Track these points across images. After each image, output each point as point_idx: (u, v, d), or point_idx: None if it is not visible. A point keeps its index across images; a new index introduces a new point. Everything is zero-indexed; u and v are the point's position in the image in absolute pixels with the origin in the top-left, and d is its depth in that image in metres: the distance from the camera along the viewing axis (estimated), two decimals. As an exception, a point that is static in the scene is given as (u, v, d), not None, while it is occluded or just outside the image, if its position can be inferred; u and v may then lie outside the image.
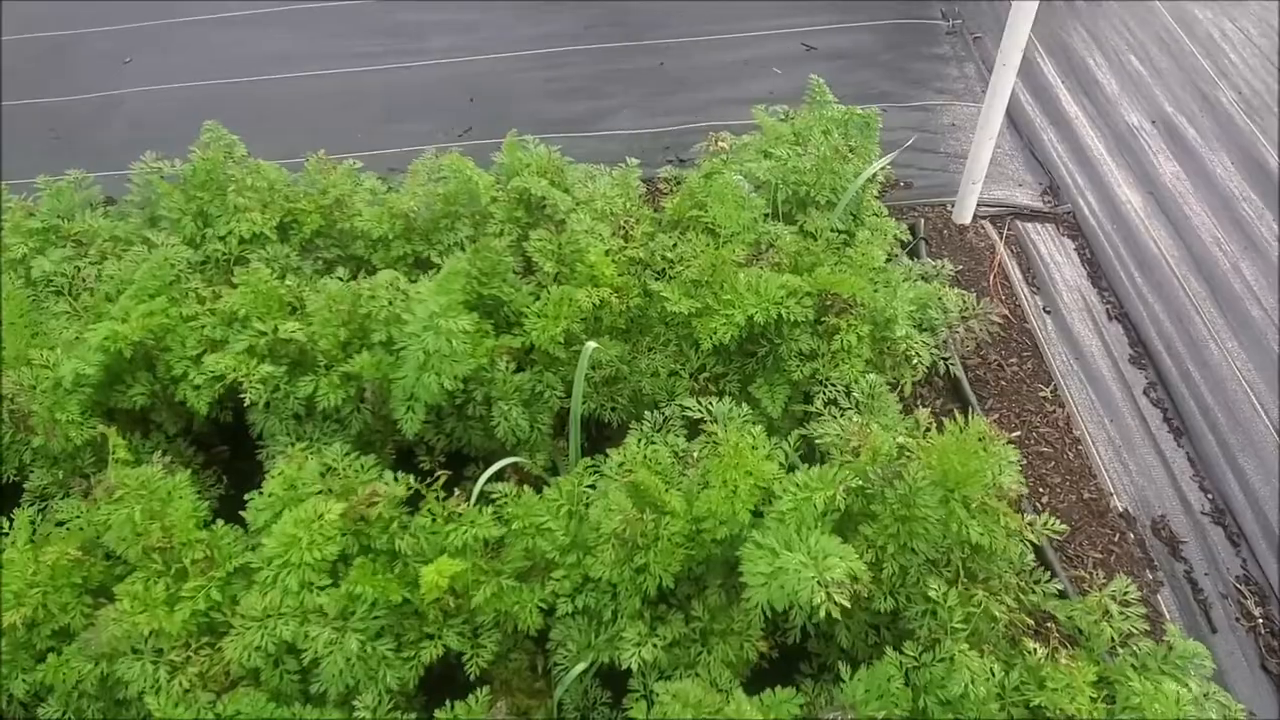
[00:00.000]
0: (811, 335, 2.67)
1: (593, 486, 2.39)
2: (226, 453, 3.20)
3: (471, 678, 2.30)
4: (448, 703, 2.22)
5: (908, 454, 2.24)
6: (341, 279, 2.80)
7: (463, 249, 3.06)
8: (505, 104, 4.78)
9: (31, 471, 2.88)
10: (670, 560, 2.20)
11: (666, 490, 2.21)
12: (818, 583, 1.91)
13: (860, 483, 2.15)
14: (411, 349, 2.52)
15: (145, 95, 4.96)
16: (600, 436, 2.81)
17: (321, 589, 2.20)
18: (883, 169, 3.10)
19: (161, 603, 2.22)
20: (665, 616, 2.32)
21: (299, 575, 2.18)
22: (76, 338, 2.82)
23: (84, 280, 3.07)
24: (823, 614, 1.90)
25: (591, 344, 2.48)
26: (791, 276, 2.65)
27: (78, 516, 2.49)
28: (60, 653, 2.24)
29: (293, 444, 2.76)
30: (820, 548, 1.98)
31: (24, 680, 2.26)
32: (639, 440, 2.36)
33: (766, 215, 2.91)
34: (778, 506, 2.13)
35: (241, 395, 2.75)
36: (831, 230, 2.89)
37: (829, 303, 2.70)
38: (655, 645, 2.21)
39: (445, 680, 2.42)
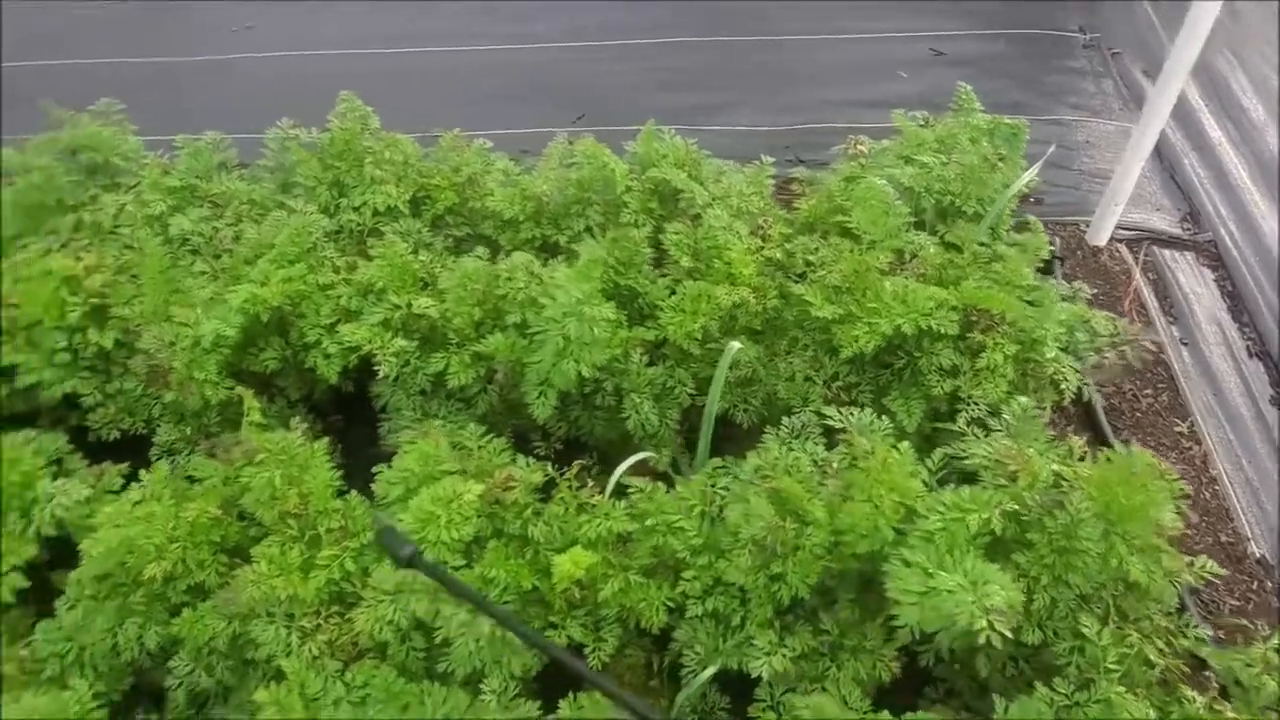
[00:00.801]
0: (954, 351, 2.58)
1: (726, 489, 2.35)
2: (341, 421, 3.23)
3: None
4: (570, 695, 2.20)
5: (1064, 482, 2.15)
6: (481, 258, 2.79)
7: (592, 236, 3.04)
8: (618, 92, 4.75)
9: (159, 425, 2.94)
10: (809, 571, 2.15)
11: (809, 499, 2.16)
12: (978, 609, 1.84)
13: (1016, 508, 2.07)
14: (551, 334, 2.50)
15: (255, 62, 5.02)
16: (723, 436, 2.75)
17: (455, 569, 2.19)
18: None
19: (296, 568, 2.24)
20: (793, 627, 2.26)
21: (434, 553, 2.18)
22: (214, 298, 2.86)
23: (220, 241, 3.12)
24: (982, 640, 1.84)
25: (735, 344, 2.43)
26: (938, 289, 2.57)
27: (210, 475, 2.52)
28: (195, 608, 2.26)
29: (419, 419, 2.77)
30: (978, 572, 1.91)
31: (157, 632, 2.29)
32: (781, 446, 2.30)
33: (910, 224, 2.82)
34: (924, 525, 2.06)
35: (373, 366, 2.77)
36: (979, 243, 2.80)
37: (974, 318, 2.61)
38: (785, 655, 2.16)
39: (556, 671, 2.40)
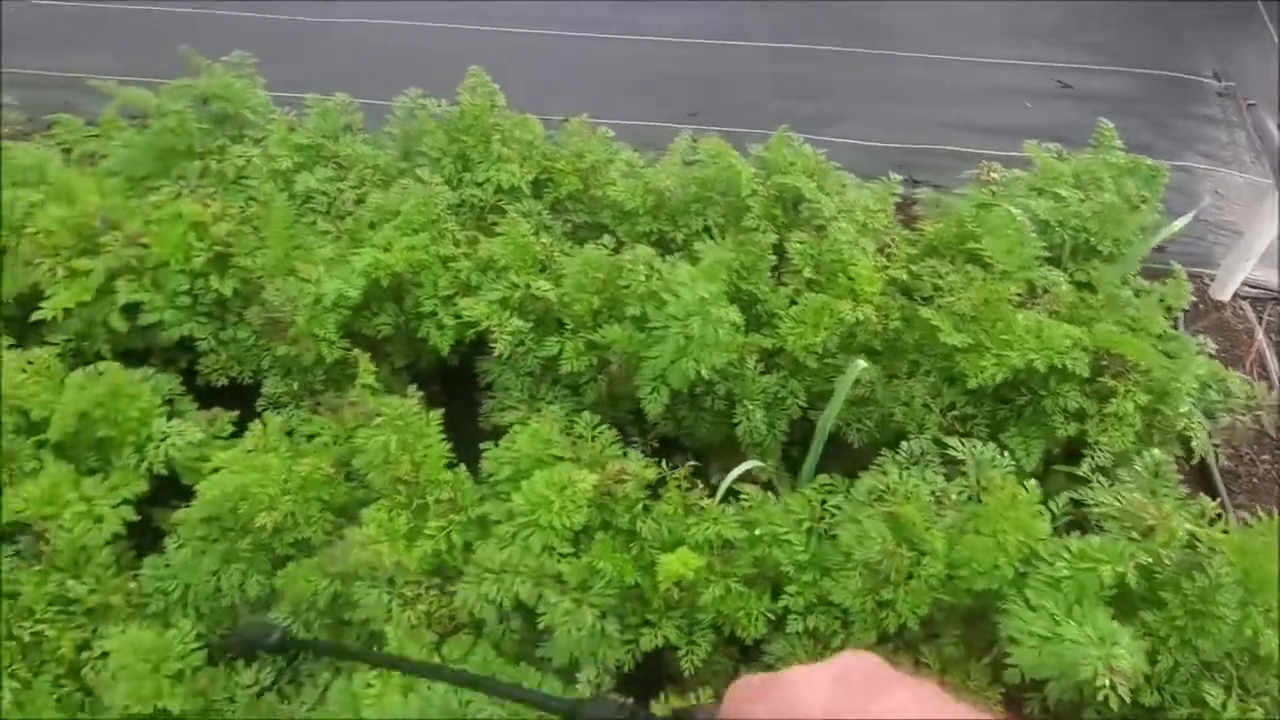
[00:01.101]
0: (1080, 393, 2.51)
1: (837, 507, 2.30)
2: (441, 393, 3.24)
3: (685, 674, 2.25)
4: (661, 695, 2.18)
5: (1198, 543, 2.07)
6: (606, 247, 2.78)
7: (710, 236, 3.01)
8: (731, 93, 4.71)
9: (266, 377, 2.98)
10: (920, 602, 2.10)
11: (929, 529, 2.11)
12: (1103, 664, 1.78)
13: (1151, 563, 2.00)
14: (672, 332, 2.47)
15: (381, 29, 5.09)
16: (828, 453, 2.71)
17: (563, 556, 2.18)
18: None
19: (402, 535, 2.25)
20: (893, 656, 2.22)
21: (543, 538, 2.17)
22: (336, 258, 2.89)
23: (343, 203, 3.15)
24: (1100, 696, 1.78)
25: (861, 362, 2.39)
26: (1072, 327, 2.50)
27: (321, 433, 2.55)
28: (299, 563, 2.29)
29: (526, 400, 2.77)
30: (1105, 629, 1.85)
31: (259, 581, 2.32)
32: (901, 471, 2.26)
33: (1044, 258, 2.74)
34: (1049, 571, 2.00)
35: (482, 342, 2.78)
36: (1115, 285, 2.71)
37: (1105, 363, 2.53)
38: (884, 685, 2.11)
39: (639, 671, 2.37)
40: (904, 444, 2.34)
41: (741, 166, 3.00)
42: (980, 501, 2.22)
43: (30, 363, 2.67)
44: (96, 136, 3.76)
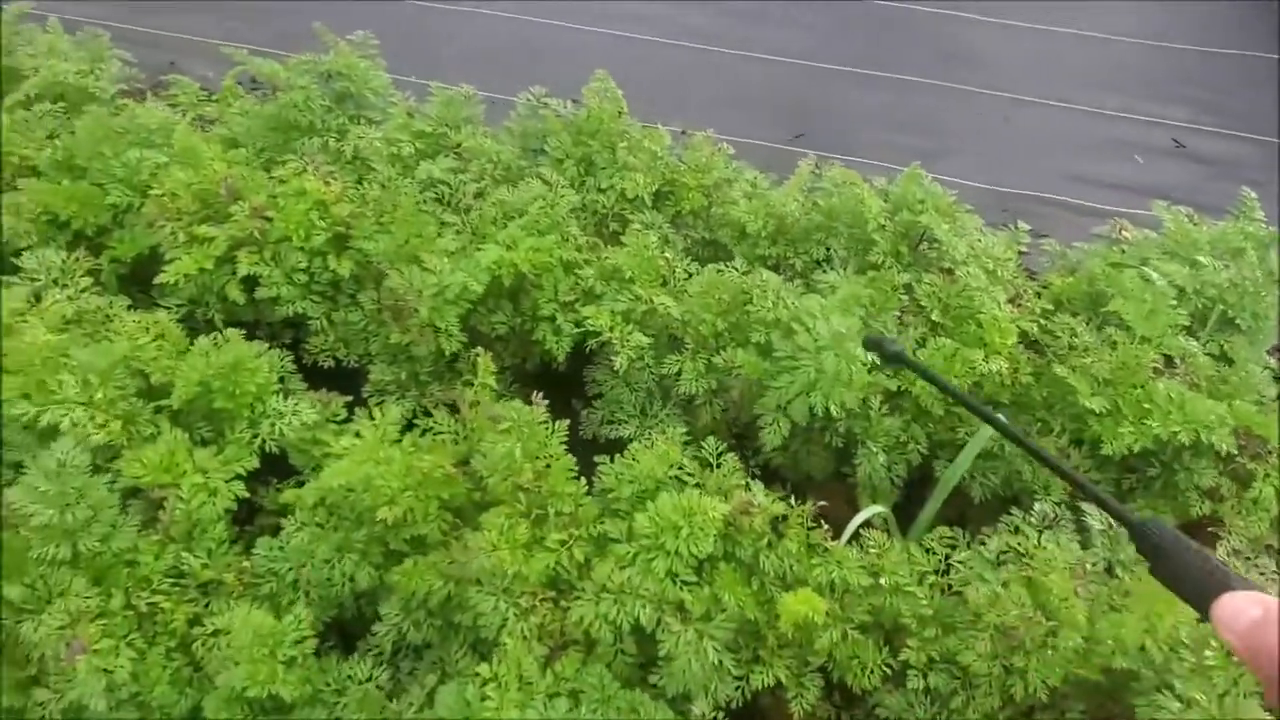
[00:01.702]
0: (1216, 472, 2.44)
1: (962, 563, 2.25)
2: (544, 397, 3.21)
3: (793, 716, 2.21)
4: (770, 736, 2.14)
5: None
6: (735, 269, 2.74)
7: (830, 267, 2.97)
8: (840, 119, 4.67)
9: (373, 363, 2.97)
10: (1051, 672, 2.05)
11: (1071, 600, 2.05)
12: (1256, 764, 1.72)
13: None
14: (804, 364, 2.43)
15: (476, 19, 5.08)
16: (945, 504, 2.66)
17: (686, 584, 2.14)
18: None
19: (521, 545, 2.22)
20: (1009, 723, 2.17)
21: (667, 563, 2.14)
22: (457, 251, 2.87)
23: (463, 195, 3.13)
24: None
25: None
26: (1215, 403, 2.43)
27: (440, 428, 2.52)
28: (415, 560, 2.26)
29: (638, 416, 2.74)
30: (1258, 725, 1.79)
31: (369, 574, 2.30)
32: (1038, 535, 2.20)
33: (1181, 326, 2.68)
34: (1194, 659, 1.94)
35: (599, 352, 2.76)
36: (1253, 362, 2.64)
37: (1243, 443, 2.46)
38: (1002, 752, 2.06)
39: (743, 708, 2.33)
40: (1037, 506, 2.29)
41: (870, 199, 2.95)
42: (1114, 575, 2.16)
43: (150, 326, 2.67)
44: (213, 101, 3.78)
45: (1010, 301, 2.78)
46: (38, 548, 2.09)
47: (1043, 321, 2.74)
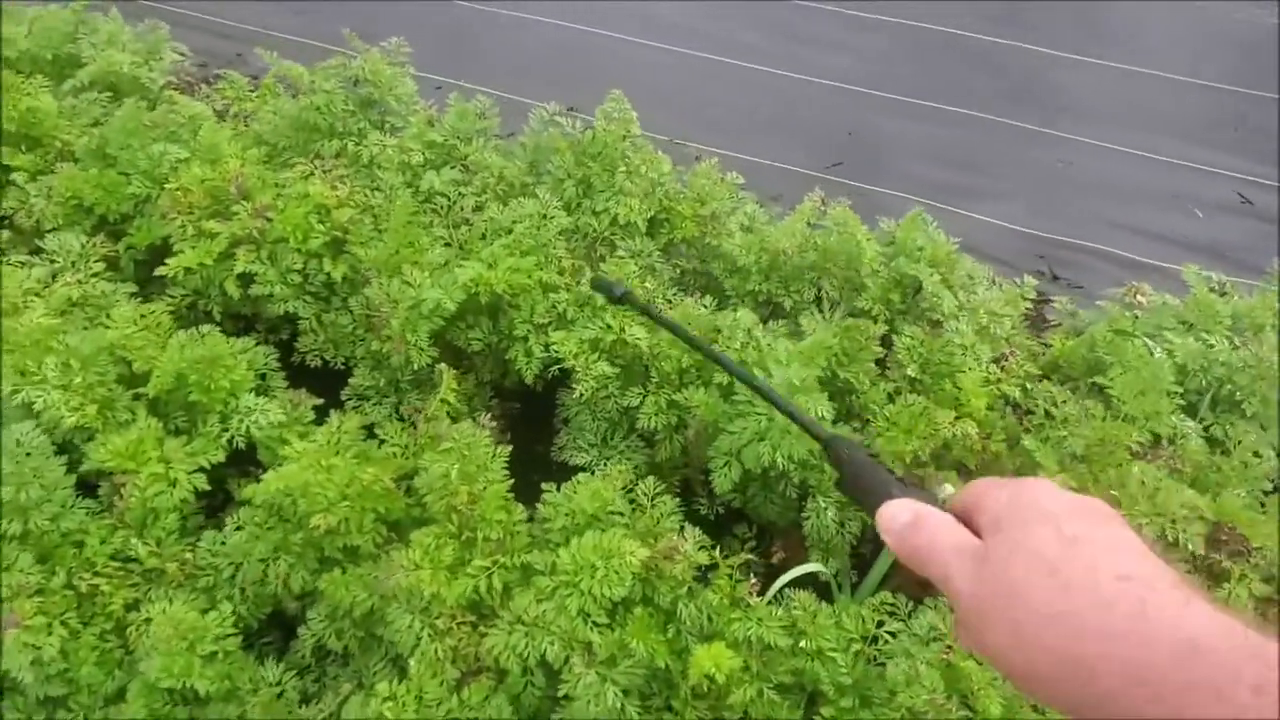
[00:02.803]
0: (1191, 567, 2.28)
1: (893, 634, 2.16)
2: (519, 412, 3.23)
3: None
4: (669, 789, 2.10)
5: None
6: (706, 307, 2.70)
7: (820, 308, 2.89)
8: (882, 149, 4.54)
9: (357, 366, 3.03)
10: (960, 764, 1.95)
11: (987, 691, 1.95)
12: None
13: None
14: (756, 411, 2.38)
15: (521, 22, 5.12)
16: (896, 570, 2.56)
17: (597, 625, 2.12)
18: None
19: (445, 566, 2.23)
20: (921, 807, 2.07)
21: (580, 602, 2.12)
22: (442, 265, 2.91)
23: (463, 208, 3.17)
24: None
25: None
26: (1193, 493, 2.27)
27: (392, 441, 2.56)
28: (344, 570, 2.30)
29: (598, 445, 2.72)
30: None
31: (303, 578, 2.35)
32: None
33: (1180, 406, 2.51)
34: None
35: (568, 376, 2.75)
36: (1254, 453, 2.45)
37: (1224, 537, 2.29)
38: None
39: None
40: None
41: (867, 244, 2.87)
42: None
43: (143, 316, 2.79)
44: (257, 98, 3.93)
45: (995, 361, 2.65)
46: (-9, 522, 2.21)
47: (1027, 386, 2.61)
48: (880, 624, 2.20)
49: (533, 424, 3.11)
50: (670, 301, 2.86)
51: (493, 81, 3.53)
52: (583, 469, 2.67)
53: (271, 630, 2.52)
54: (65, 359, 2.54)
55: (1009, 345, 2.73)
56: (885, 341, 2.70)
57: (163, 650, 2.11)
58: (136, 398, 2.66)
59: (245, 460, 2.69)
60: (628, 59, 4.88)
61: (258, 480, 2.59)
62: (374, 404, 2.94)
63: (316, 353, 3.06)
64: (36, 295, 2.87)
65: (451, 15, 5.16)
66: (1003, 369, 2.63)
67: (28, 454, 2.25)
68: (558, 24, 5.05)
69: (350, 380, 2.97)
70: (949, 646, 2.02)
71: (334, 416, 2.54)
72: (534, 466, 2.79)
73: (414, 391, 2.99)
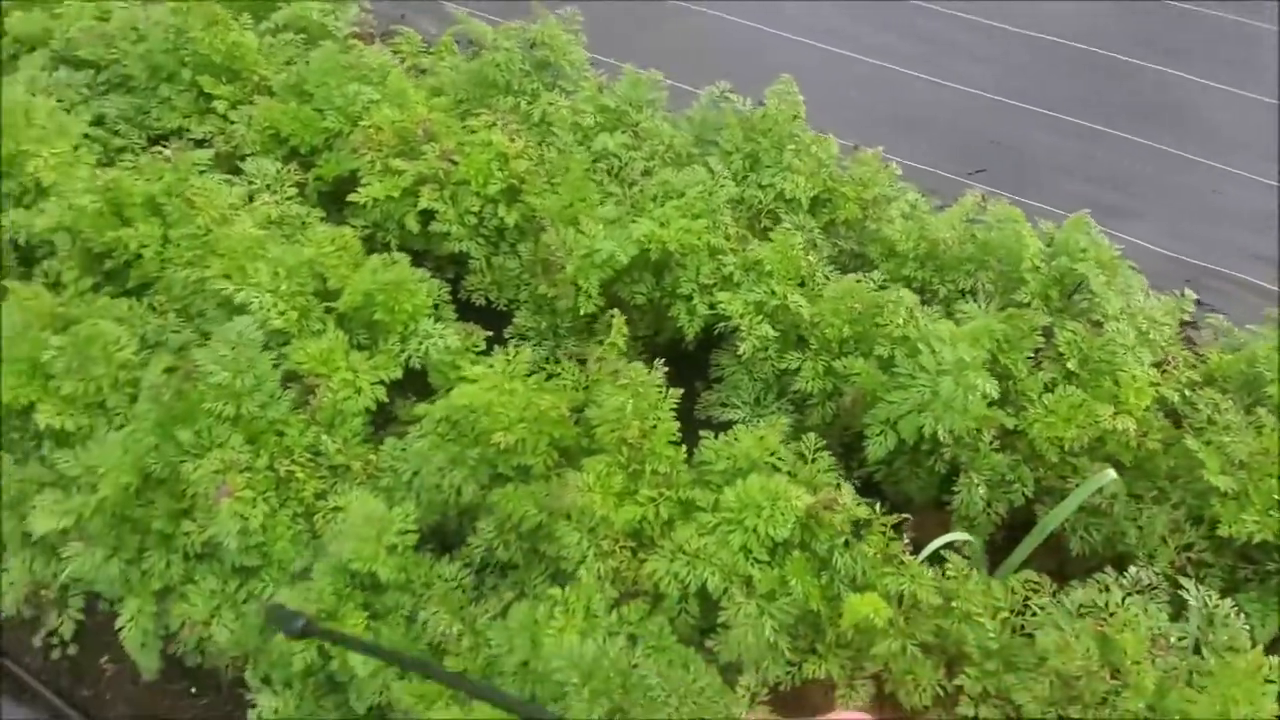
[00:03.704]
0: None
1: (1041, 607, 2.22)
2: (669, 369, 3.35)
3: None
4: (810, 726, 2.19)
5: None
6: (873, 281, 2.79)
7: (974, 299, 2.95)
8: (1027, 162, 4.54)
9: (519, 309, 3.20)
10: (1106, 731, 2.00)
11: (1138, 664, 2.00)
12: None
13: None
14: (919, 384, 2.46)
15: (680, 13, 5.26)
16: (1038, 550, 2.60)
17: (758, 562, 2.23)
18: None
19: (614, 493, 2.37)
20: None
21: (743, 539, 2.23)
22: (614, 220, 3.06)
23: (631, 171, 3.31)
24: None
25: (1111, 473, 2.29)
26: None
27: (563, 375, 2.70)
28: (517, 486, 2.45)
29: (751, 404, 2.83)
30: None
31: (475, 490, 2.51)
32: (1124, 598, 2.14)
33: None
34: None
35: (724, 335, 2.87)
36: None
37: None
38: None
39: (792, 693, 2.38)
40: (1132, 569, 2.22)
41: (1030, 239, 2.92)
42: (1199, 654, 2.08)
43: (334, 240, 2.99)
44: (429, 54, 4.14)
45: (1156, 365, 2.68)
46: (209, 403, 2.41)
47: (1186, 392, 2.63)
48: (1027, 598, 2.26)
49: (683, 384, 3.22)
50: (829, 277, 2.95)
51: (644, 65, 3.66)
52: (731, 424, 2.77)
53: (431, 541, 2.68)
54: (273, 268, 2.75)
55: (1164, 352, 2.75)
56: (1044, 335, 2.75)
57: (354, 535, 2.28)
58: (328, 311, 2.87)
59: (408, 385, 2.87)
60: (773, 53, 4.97)
61: (429, 401, 2.79)
62: (534, 345, 3.09)
63: (481, 292, 3.23)
64: (237, 211, 3.10)
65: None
66: (1163, 373, 2.66)
67: (244, 346, 2.45)
68: (708, 14, 5.18)
69: (514, 321, 3.14)
70: (1104, 619, 2.08)
71: (510, 347, 2.70)
72: (678, 420, 2.90)
73: (571, 339, 3.14)
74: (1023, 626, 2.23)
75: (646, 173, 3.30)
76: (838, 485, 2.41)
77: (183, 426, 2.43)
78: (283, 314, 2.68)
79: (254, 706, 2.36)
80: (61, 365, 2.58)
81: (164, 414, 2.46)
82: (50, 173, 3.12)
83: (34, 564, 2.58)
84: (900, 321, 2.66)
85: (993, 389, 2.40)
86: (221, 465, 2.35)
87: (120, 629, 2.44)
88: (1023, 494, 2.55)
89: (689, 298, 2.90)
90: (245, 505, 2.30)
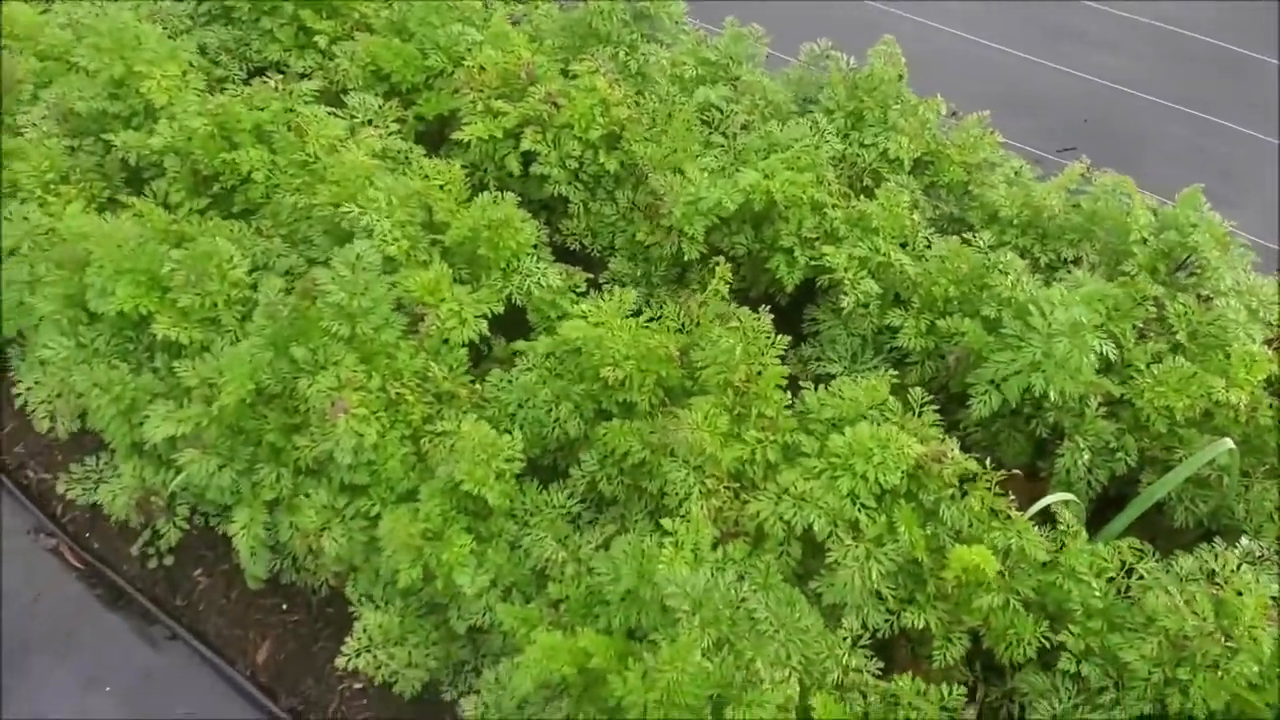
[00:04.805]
0: None
1: (1148, 571, 2.22)
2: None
3: (934, 664, 2.26)
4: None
5: None
6: (982, 244, 2.78)
7: (1077, 269, 2.92)
8: (1113, 141, 4.49)
9: (613, 255, 3.21)
10: (1215, 694, 2.00)
11: (1254, 628, 1.99)
12: None
13: None
14: (1032, 345, 2.45)
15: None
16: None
17: (865, 507, 2.24)
18: None
19: (721, 434, 2.38)
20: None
21: (851, 484, 2.24)
22: (717, 170, 3.06)
23: (731, 124, 3.31)
24: None
25: (1228, 442, 2.27)
26: None
27: (667, 316, 2.71)
28: (623, 422, 2.47)
29: (848, 360, 2.83)
30: None
31: (579, 425, 2.54)
32: (1238, 565, 2.13)
33: None
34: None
35: (826, 294, 2.87)
36: None
37: None
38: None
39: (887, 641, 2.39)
40: (1244, 540, 2.21)
41: (1140, 210, 2.89)
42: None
43: (441, 172, 3.02)
44: (521, 3, 4.14)
45: (1268, 343, 2.65)
46: (327, 321, 2.45)
47: (1294, 369, 2.60)
48: (1130, 563, 2.25)
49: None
50: (929, 240, 2.94)
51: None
52: (826, 379, 2.76)
53: (527, 475, 2.72)
54: (387, 196, 2.78)
55: (1275, 330, 2.72)
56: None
57: (467, 458, 2.31)
58: (433, 244, 2.90)
59: (499, 326, 2.88)
60: (879, 26, 4.94)
61: (526, 340, 2.82)
62: (622, 287, 3.10)
63: (576, 238, 3.25)
64: (342, 142, 3.13)
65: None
66: (1276, 350, 2.63)
67: (362, 268, 2.48)
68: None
69: (609, 266, 3.16)
70: (1219, 584, 2.07)
71: (608, 294, 2.71)
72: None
73: (663, 287, 3.16)
74: (1127, 589, 2.23)
75: (745, 127, 3.29)
76: (943, 439, 2.40)
77: (298, 344, 2.47)
78: (395, 242, 2.72)
79: (357, 619, 2.41)
80: (180, 279, 2.63)
81: (279, 331, 2.51)
82: (162, 94, 3.17)
83: (144, 471, 2.64)
84: (1010, 283, 2.64)
85: (1111, 351, 2.38)
86: (337, 382, 2.39)
87: (217, 542, 2.48)
88: (1125, 463, 2.54)
89: (790, 250, 2.90)
90: (361, 422, 2.34)
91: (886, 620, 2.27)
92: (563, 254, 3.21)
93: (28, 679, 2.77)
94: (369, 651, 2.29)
